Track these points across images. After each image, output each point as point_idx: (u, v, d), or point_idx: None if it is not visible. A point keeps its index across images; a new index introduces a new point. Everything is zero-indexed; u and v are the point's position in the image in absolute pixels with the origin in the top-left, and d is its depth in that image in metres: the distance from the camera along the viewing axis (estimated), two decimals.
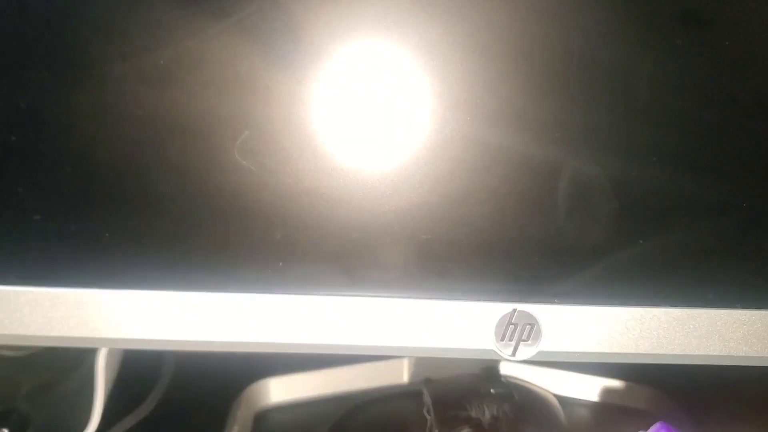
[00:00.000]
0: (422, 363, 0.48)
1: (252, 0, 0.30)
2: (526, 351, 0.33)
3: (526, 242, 0.32)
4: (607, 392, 0.48)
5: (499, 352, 0.32)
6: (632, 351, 0.33)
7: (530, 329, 0.32)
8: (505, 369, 0.47)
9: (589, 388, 0.48)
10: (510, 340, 0.32)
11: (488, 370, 0.45)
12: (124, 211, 0.31)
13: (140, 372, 0.45)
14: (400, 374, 0.49)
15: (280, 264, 0.32)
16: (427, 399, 0.42)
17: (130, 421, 0.41)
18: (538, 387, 0.45)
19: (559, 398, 0.46)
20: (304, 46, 0.30)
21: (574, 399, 0.48)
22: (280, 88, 0.30)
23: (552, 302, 0.33)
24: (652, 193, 0.32)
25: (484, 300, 0.32)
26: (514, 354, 0.33)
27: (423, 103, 0.31)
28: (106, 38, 0.30)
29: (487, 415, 0.39)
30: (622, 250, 0.33)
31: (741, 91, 0.32)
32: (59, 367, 0.39)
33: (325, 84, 0.31)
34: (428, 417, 0.41)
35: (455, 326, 0.32)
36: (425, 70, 0.31)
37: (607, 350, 0.33)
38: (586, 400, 0.48)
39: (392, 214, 0.32)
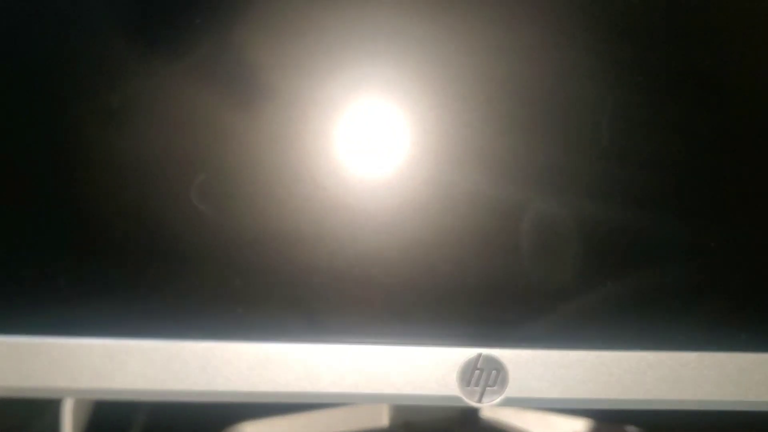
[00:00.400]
0: (402, 407, 0.47)
1: (206, 40, 0.30)
2: (492, 397, 0.32)
3: (491, 285, 0.32)
4: None
5: (464, 399, 0.32)
6: (601, 396, 0.32)
7: (496, 374, 0.32)
8: (487, 412, 0.46)
9: (573, 430, 0.47)
10: (476, 385, 0.32)
11: (467, 415, 0.44)
12: (77, 258, 0.30)
13: (112, 419, 0.45)
14: (380, 418, 0.48)
15: (240, 311, 0.31)
16: None
17: None
18: (518, 430, 0.43)
19: None
20: (263, 86, 0.30)
21: None
22: (237, 130, 0.30)
23: (519, 346, 0.32)
24: (619, 234, 0.32)
25: (449, 345, 0.32)
26: (480, 400, 0.32)
27: (384, 145, 0.31)
28: (58, 81, 0.30)
29: None
30: (590, 293, 0.32)
31: (709, 132, 0.32)
32: (25, 413, 0.39)
33: (282, 126, 0.31)
34: None
35: (418, 372, 0.32)
36: (386, 111, 0.31)
37: (575, 396, 0.32)
38: None
39: (353, 258, 0.31)
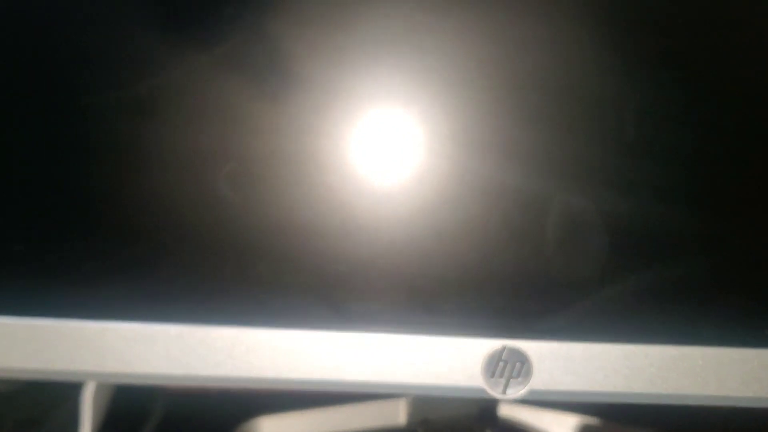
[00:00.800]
0: (420, 403, 0.47)
1: (236, 29, 0.30)
2: (516, 389, 0.32)
3: (517, 277, 0.32)
4: None
5: (488, 390, 0.32)
6: (625, 390, 0.32)
7: (521, 366, 0.32)
8: (505, 411, 0.46)
9: (591, 430, 0.47)
10: (500, 377, 0.32)
11: (485, 411, 0.44)
12: (104, 242, 0.31)
13: (130, 411, 0.45)
14: (397, 414, 0.48)
15: (265, 297, 0.31)
16: None
17: None
18: (537, 430, 0.43)
19: None
20: (290, 76, 0.31)
21: None
22: (266, 118, 0.30)
23: (543, 338, 0.32)
24: (646, 226, 0.32)
25: (473, 336, 0.32)
26: (504, 392, 0.32)
27: (409, 135, 0.31)
28: (87, 70, 0.30)
29: None
30: (616, 286, 0.32)
31: (737, 125, 0.32)
32: (46, 401, 0.39)
33: (311, 115, 0.31)
34: None
35: (442, 362, 0.32)
36: (412, 102, 0.31)
37: (600, 389, 0.32)
38: None
39: (379, 247, 0.31)
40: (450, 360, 0.32)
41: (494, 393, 0.32)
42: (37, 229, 0.31)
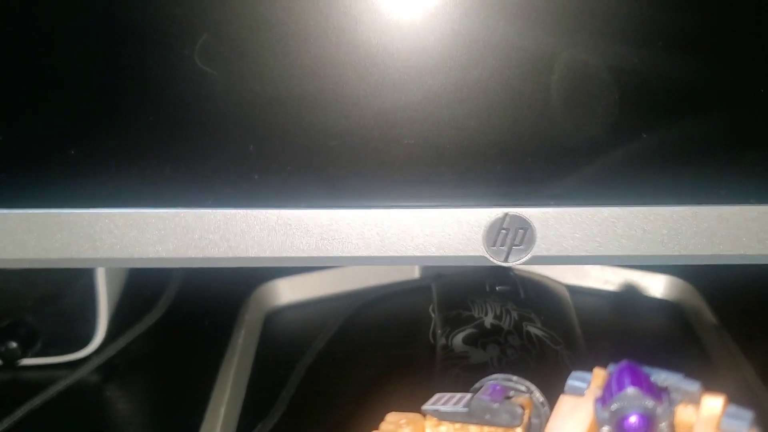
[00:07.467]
0: None
1: None
2: (519, 256, 0.31)
3: (518, 141, 0.30)
4: (625, 281, 0.46)
5: (490, 259, 0.31)
6: (635, 253, 0.31)
7: (523, 234, 0.30)
8: None
9: (606, 277, 0.46)
10: (502, 245, 0.31)
11: (497, 266, 0.43)
12: (91, 129, 0.29)
13: (149, 278, 0.46)
14: (412, 269, 0.48)
15: (256, 177, 0.30)
16: (434, 297, 0.42)
17: (140, 327, 0.42)
18: (550, 279, 0.43)
19: (575, 288, 0.45)
20: None
21: (590, 289, 0.46)
22: None
23: (547, 205, 0.30)
24: (656, 80, 0.29)
25: (473, 206, 0.30)
26: (506, 260, 0.31)
27: None
28: None
29: (490, 315, 0.38)
30: (623, 145, 0.30)
31: None
32: (63, 278, 0.40)
33: None
34: (433, 316, 0.40)
35: (443, 234, 0.31)
36: None
37: (607, 253, 0.31)
38: (602, 290, 0.46)
39: (371, 118, 0.29)
40: (451, 231, 0.31)
41: (496, 261, 0.31)
42: (27, 122, 0.30)
